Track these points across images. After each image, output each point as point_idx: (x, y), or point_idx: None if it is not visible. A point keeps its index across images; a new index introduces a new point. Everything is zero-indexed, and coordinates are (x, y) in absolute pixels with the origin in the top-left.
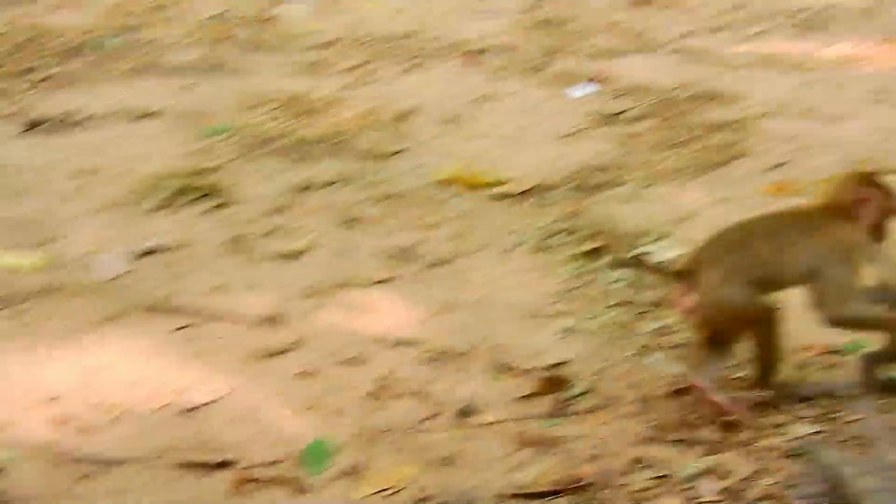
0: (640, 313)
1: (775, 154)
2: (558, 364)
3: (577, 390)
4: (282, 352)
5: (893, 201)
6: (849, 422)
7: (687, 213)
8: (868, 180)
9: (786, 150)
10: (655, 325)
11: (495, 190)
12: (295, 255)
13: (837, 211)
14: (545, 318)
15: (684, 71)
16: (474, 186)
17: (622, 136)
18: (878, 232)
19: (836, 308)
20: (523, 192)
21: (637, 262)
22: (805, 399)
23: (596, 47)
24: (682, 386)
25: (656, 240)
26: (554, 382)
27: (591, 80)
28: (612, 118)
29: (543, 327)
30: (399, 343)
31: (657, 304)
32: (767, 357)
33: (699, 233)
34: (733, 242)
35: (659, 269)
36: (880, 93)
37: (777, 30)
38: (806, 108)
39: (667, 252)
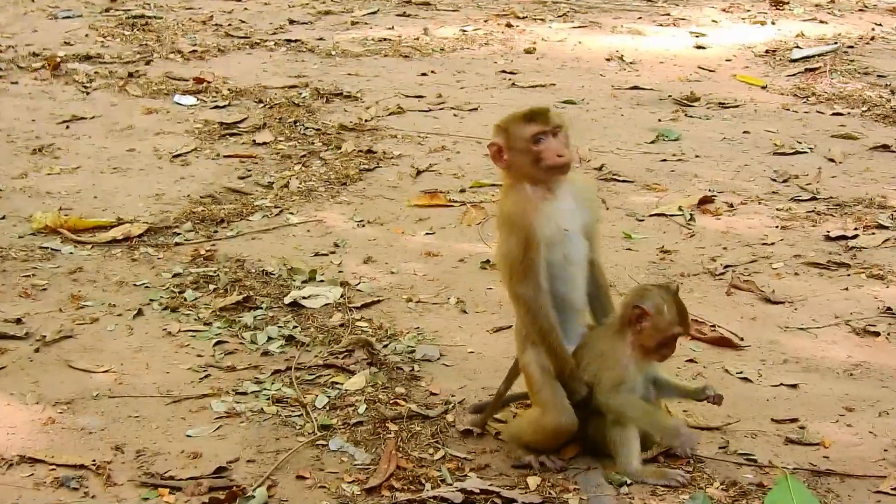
0: (309, 380)
1: (416, 158)
2: (222, 470)
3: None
4: None
5: (666, 320)
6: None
7: (333, 242)
8: (644, 296)
9: (425, 152)
10: (332, 393)
11: (108, 234)
12: None
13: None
14: (194, 403)
15: (296, 67)
16: (80, 232)
17: (242, 153)
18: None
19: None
20: (141, 235)
21: (296, 313)
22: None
23: (194, 46)
24: (376, 483)
25: (307, 280)
26: (224, 499)
27: (197, 81)
28: (227, 130)
29: (195, 418)
30: (21, 462)
31: (327, 366)
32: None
33: (353, 264)
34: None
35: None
36: (508, 74)
37: (384, 12)
38: (436, 99)
39: (324, 296)
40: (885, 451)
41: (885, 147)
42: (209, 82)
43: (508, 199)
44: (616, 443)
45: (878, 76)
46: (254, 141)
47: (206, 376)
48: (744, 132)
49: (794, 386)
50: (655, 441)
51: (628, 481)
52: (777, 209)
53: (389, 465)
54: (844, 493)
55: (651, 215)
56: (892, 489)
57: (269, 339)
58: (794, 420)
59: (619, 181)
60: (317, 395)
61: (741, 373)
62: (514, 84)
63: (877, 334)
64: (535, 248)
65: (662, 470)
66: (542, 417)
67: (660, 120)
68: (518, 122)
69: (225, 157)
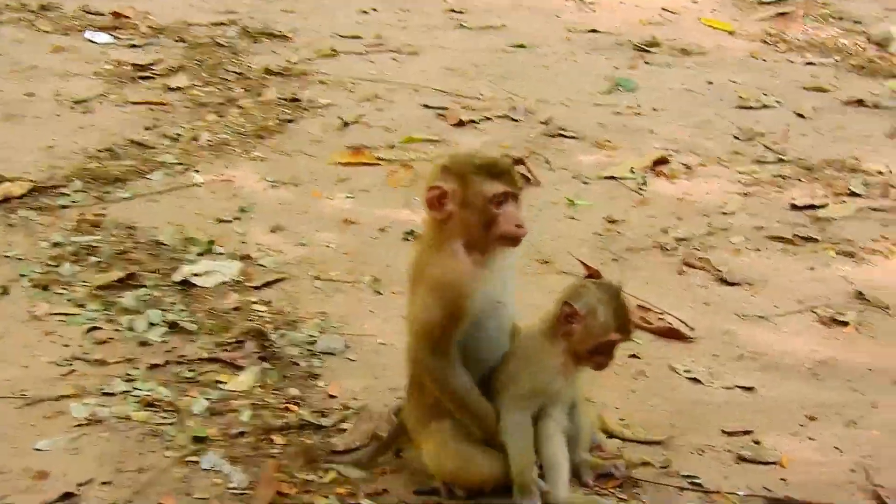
0: (189, 377)
1: (345, 108)
2: (68, 497)
3: None
4: None
5: (599, 324)
6: None
7: (239, 207)
8: (578, 293)
9: (356, 100)
10: (213, 395)
11: None
12: None
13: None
14: (50, 407)
15: (226, 2)
16: None
17: (152, 99)
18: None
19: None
20: (22, 196)
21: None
22: None
23: None
24: None
25: (204, 253)
26: None
27: (115, 16)
28: (140, 73)
29: (48, 425)
30: None
31: (212, 360)
32: None
33: (258, 234)
34: None
35: None
36: (456, 14)
37: None
38: (374, 41)
39: (219, 272)
40: (851, 471)
41: (860, 102)
42: (128, 17)
43: (439, 261)
44: (515, 461)
45: (853, 22)
46: (167, 86)
47: (69, 372)
48: (707, 82)
49: (749, 389)
50: (590, 464)
51: None
52: (739, 172)
53: (268, 491)
54: None
55: (600, 178)
56: None
57: (151, 325)
58: (747, 432)
59: (566, 137)
60: (195, 398)
61: (689, 372)
62: (461, 25)
63: (845, 324)
64: (461, 322)
65: (594, 499)
66: (469, 465)
67: (616, 67)
68: (481, 175)
69: (133, 104)
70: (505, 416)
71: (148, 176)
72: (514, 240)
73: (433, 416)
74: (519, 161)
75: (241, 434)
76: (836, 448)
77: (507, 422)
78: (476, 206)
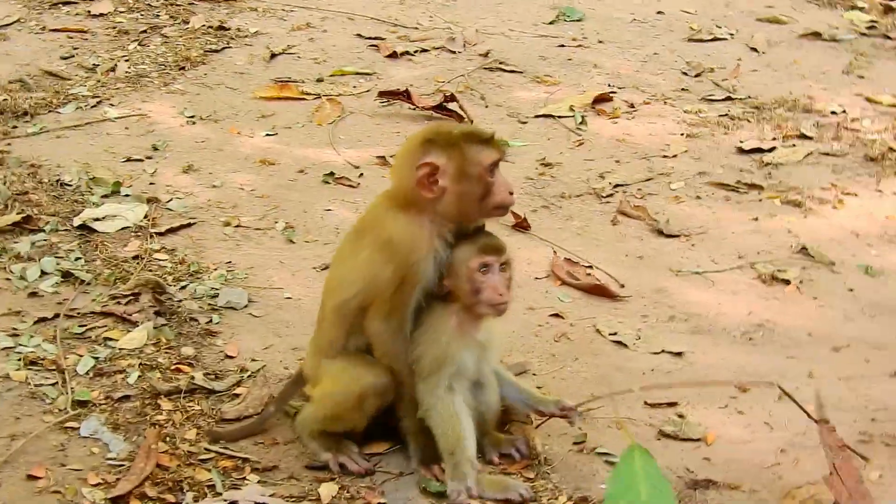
0: (79, 333)
1: (275, 37)
2: None
3: None
4: None
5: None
6: None
7: (152, 144)
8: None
9: (287, 30)
10: (102, 353)
11: None
12: None
13: None
14: None
15: None
16: None
17: (72, 26)
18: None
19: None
20: None
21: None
22: None
23: None
24: (123, 490)
25: (109, 195)
26: None
27: None
28: None
29: None
30: None
31: (105, 314)
32: None
33: (169, 174)
34: None
35: None
36: None
37: None
38: None
39: (122, 217)
40: (781, 451)
41: (817, 35)
42: None
43: (399, 223)
44: (443, 442)
45: None
46: (89, 12)
47: None
48: (657, 12)
49: (678, 354)
50: (493, 440)
51: (451, 493)
52: (685, 111)
53: (147, 465)
54: None
55: (536, 116)
56: None
57: (43, 274)
58: (672, 404)
59: (505, 71)
60: (81, 357)
61: (615, 334)
62: None
63: (786, 282)
64: (412, 286)
65: (503, 480)
66: (342, 381)
67: None
68: (472, 144)
69: (52, 31)
70: (422, 401)
71: (59, 110)
72: (505, 209)
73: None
74: (450, 97)
75: (126, 398)
76: (766, 423)
77: (425, 405)
78: (473, 176)
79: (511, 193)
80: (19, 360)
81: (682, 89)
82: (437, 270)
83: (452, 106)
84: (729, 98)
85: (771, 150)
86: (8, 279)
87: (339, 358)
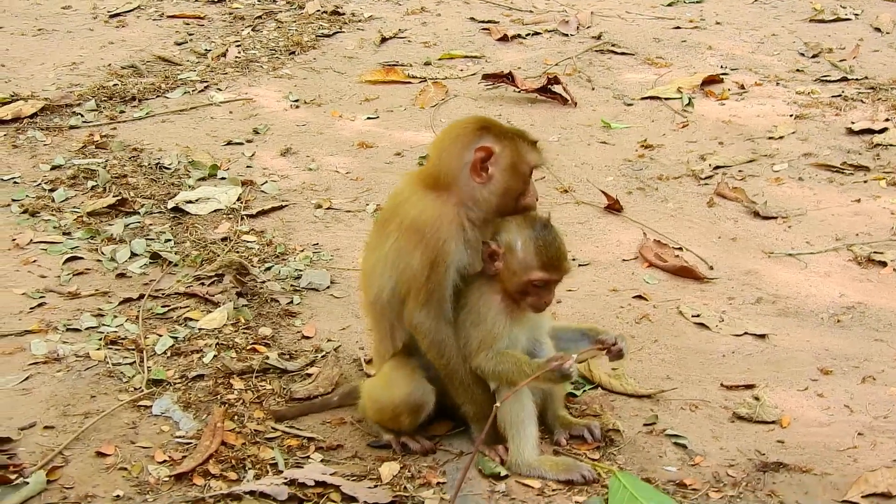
0: (161, 313)
1: (388, 21)
2: (5, 441)
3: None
4: None
5: (518, 261)
6: None
7: (253, 128)
8: (498, 230)
9: (401, 13)
10: (181, 334)
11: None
12: None
13: None
14: (10, 342)
15: None
16: None
17: (189, 13)
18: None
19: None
20: (34, 115)
21: (175, 221)
22: None
23: None
24: (188, 467)
25: (205, 178)
26: None
27: None
28: None
29: (4, 363)
30: None
31: (188, 295)
32: None
33: (267, 157)
34: None
35: None
36: None
37: None
38: None
39: (216, 199)
40: (859, 434)
41: None
42: None
43: (424, 202)
44: (506, 424)
45: None
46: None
47: (40, 304)
48: None
49: (761, 336)
50: (563, 422)
51: (508, 474)
52: (797, 92)
53: (212, 443)
54: (792, 500)
55: (643, 98)
56: (862, 497)
57: (133, 255)
58: (749, 386)
59: (616, 53)
60: (160, 337)
61: (698, 316)
62: None
63: (883, 264)
64: (444, 268)
65: (565, 461)
66: (380, 390)
67: None
68: (525, 142)
69: (169, 17)
70: (481, 369)
71: (167, 94)
72: (531, 208)
73: (381, 358)
74: (554, 80)
75: (200, 378)
76: (847, 406)
77: (484, 370)
78: (519, 172)
79: (537, 199)
80: (100, 339)
81: (797, 70)
82: (468, 251)
83: (556, 88)
84: (844, 79)
85: (882, 131)
86: (98, 260)
87: (389, 361)
